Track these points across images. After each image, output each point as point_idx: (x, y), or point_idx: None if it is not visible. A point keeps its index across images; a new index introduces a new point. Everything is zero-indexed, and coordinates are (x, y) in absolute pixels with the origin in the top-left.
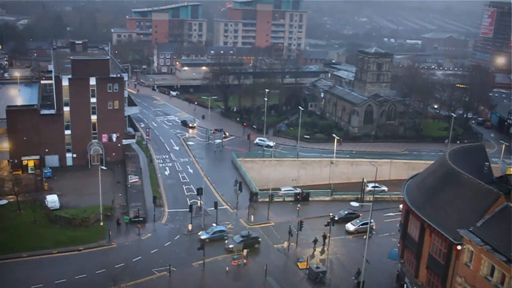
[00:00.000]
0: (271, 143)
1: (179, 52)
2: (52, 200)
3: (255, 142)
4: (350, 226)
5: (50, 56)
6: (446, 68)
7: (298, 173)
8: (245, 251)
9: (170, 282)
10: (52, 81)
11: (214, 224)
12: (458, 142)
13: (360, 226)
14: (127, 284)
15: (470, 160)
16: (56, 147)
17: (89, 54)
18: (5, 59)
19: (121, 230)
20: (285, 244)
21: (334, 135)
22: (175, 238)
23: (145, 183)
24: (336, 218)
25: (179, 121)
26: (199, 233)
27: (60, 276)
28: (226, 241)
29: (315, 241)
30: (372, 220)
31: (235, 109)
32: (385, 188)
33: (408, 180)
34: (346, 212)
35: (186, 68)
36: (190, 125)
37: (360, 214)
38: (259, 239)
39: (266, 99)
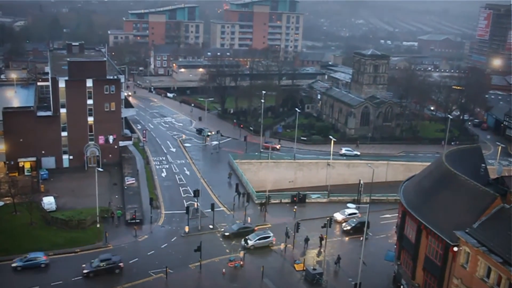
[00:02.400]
0: (358, 152)
1: (176, 54)
2: (48, 202)
3: (341, 152)
4: (338, 216)
5: (46, 58)
6: (442, 70)
7: (295, 175)
8: (241, 252)
9: (166, 284)
10: (49, 83)
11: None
12: (452, 143)
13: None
14: (124, 286)
15: (467, 162)
16: (53, 149)
17: (86, 56)
18: (1, 60)
19: (114, 222)
20: (282, 246)
21: (330, 137)
22: (172, 240)
23: (142, 185)
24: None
25: (197, 130)
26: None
27: (56, 278)
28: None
29: (307, 240)
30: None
31: (231, 111)
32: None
33: (405, 181)
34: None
35: (183, 69)
36: (209, 133)
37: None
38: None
39: (263, 100)
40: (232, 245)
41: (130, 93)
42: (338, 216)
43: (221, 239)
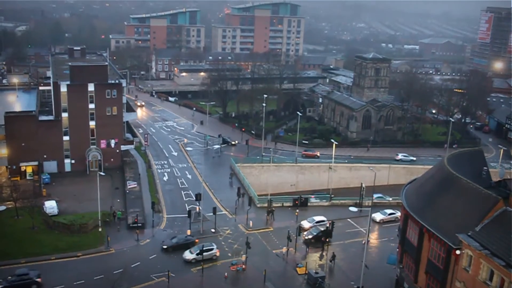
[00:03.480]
0: (414, 158)
1: (178, 58)
2: (50, 206)
3: (397, 158)
4: (305, 224)
5: (48, 62)
6: (444, 73)
7: (297, 178)
8: (243, 256)
9: None
10: (51, 87)
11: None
12: (454, 146)
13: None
14: None
15: (469, 165)
16: (55, 153)
17: (88, 60)
18: (4, 65)
19: (115, 222)
20: (284, 250)
21: (332, 140)
22: None
23: (144, 189)
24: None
25: (220, 140)
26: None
27: (58, 282)
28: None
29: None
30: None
31: (233, 115)
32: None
33: (407, 185)
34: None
35: (184, 74)
36: (233, 142)
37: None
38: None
39: (264, 104)
40: (235, 249)
41: (143, 103)
42: (306, 224)
43: (159, 253)
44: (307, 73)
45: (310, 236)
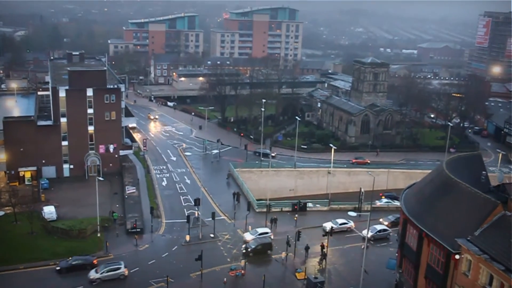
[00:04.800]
0: None
1: (176, 63)
2: (49, 211)
3: None
4: (248, 236)
5: (47, 67)
6: (442, 78)
7: (296, 183)
8: (242, 261)
9: None
10: (49, 92)
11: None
12: (452, 150)
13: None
14: None
15: (467, 169)
16: (53, 158)
17: (86, 65)
18: (2, 69)
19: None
20: (283, 255)
21: (331, 145)
22: (173, 249)
23: (143, 194)
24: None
25: (257, 153)
26: None
27: (57, 287)
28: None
29: (307, 248)
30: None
31: (232, 120)
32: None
33: (406, 189)
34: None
35: (183, 78)
36: (273, 155)
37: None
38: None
39: (263, 109)
40: (233, 254)
41: (156, 116)
42: (248, 236)
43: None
44: (305, 77)
45: (248, 249)
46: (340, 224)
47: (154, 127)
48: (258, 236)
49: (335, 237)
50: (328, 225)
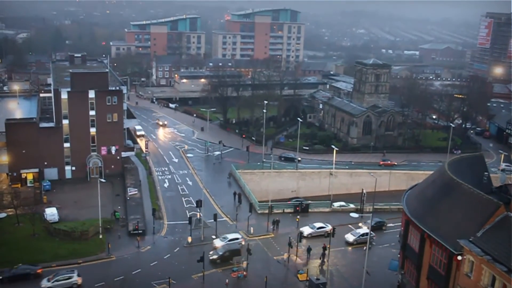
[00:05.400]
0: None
1: (178, 65)
2: (51, 213)
3: (500, 168)
4: (217, 242)
5: (49, 69)
6: (444, 79)
7: (298, 184)
8: (244, 263)
9: None
10: (51, 94)
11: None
12: (454, 152)
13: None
14: None
15: (470, 170)
16: (55, 160)
17: (88, 67)
18: (4, 72)
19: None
20: (285, 256)
21: (333, 146)
22: (175, 251)
23: (144, 195)
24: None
25: (282, 158)
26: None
27: None
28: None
29: (309, 250)
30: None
31: (234, 121)
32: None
33: (408, 190)
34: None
35: (184, 80)
36: (299, 159)
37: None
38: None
39: (265, 110)
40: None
41: (165, 122)
42: (218, 242)
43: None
44: (307, 79)
45: (215, 256)
46: (318, 228)
47: (163, 135)
48: (227, 242)
49: (312, 241)
50: (305, 230)
